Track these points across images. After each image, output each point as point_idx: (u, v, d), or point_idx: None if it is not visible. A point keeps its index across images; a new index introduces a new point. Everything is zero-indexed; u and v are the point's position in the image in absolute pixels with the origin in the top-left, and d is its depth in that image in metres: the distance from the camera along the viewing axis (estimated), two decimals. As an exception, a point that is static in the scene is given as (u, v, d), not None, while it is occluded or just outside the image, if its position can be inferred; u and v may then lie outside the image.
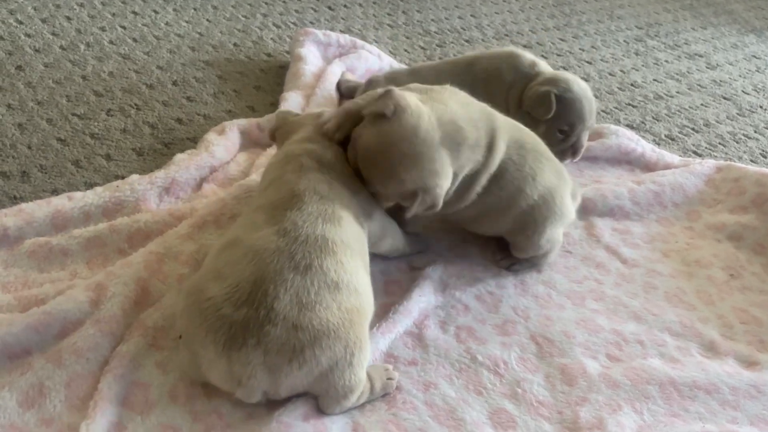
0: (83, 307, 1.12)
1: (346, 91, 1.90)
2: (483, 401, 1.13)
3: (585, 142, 1.68)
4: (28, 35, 1.98)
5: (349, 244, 1.07)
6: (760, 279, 1.50)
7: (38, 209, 1.33)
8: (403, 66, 2.16)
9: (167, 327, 1.14)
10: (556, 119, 1.61)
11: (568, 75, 1.66)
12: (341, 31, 2.33)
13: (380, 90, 1.21)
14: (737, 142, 2.12)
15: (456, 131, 1.18)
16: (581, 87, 1.64)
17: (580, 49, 2.64)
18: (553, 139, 1.60)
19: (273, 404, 1.04)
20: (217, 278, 1.01)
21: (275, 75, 2.05)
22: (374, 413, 1.08)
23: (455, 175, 1.20)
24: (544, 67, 1.69)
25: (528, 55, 1.73)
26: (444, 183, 1.17)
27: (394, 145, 1.14)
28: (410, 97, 1.17)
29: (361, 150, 1.16)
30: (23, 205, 1.34)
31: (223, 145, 1.61)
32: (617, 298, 1.38)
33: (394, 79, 1.76)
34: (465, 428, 1.08)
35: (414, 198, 1.17)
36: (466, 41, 2.53)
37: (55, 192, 1.44)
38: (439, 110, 1.18)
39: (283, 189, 1.11)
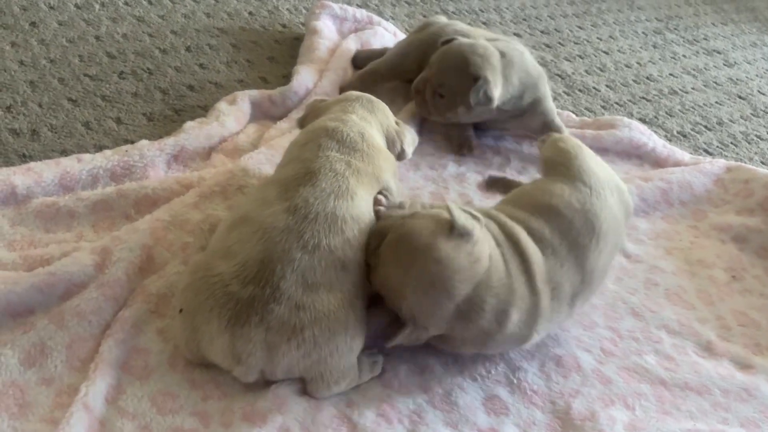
0: (88, 270, 1.13)
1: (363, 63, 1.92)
2: (477, 387, 1.14)
3: (421, 86, 1.63)
4: (43, -9, 1.97)
5: (359, 219, 1.07)
6: (762, 283, 1.50)
7: (47, 169, 1.33)
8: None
9: (170, 295, 1.15)
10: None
11: (481, 43, 1.60)
12: (358, 6, 2.31)
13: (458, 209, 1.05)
14: (749, 143, 2.11)
15: (482, 302, 1.04)
16: (464, 49, 1.57)
17: (597, 38, 2.61)
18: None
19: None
20: (225, 256, 1.02)
21: (289, 47, 2.03)
22: (369, 393, 1.09)
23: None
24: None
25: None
26: (433, 331, 1.06)
27: (431, 264, 1.00)
28: (486, 241, 1.05)
29: (393, 241, 1.04)
30: (32, 164, 1.34)
31: (234, 115, 1.60)
32: (617, 293, 1.39)
33: None
34: (458, 412, 1.10)
35: (402, 324, 1.04)
36: (484, 23, 2.51)
37: (65, 152, 1.44)
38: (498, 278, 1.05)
39: (299, 166, 1.12)
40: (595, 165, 1.25)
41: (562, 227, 1.15)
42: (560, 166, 1.24)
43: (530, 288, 1.08)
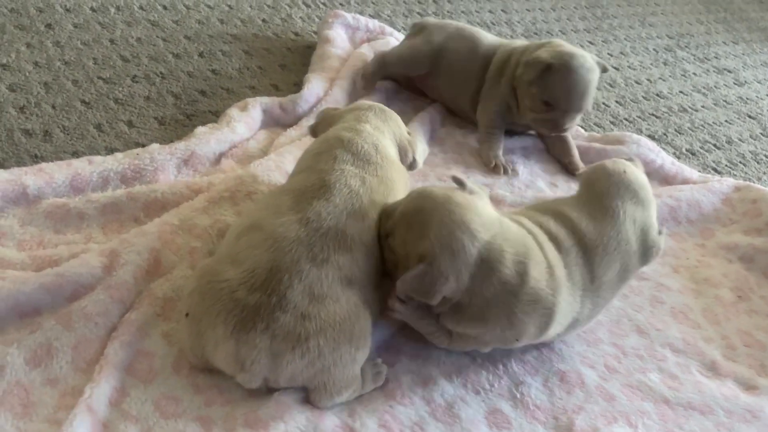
0: (96, 272, 1.13)
1: None
2: (480, 400, 1.14)
3: (570, 123, 1.68)
4: (59, -6, 1.99)
5: (368, 241, 1.08)
6: (768, 303, 1.50)
7: (58, 170, 1.34)
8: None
9: (176, 299, 1.16)
10: (543, 88, 1.63)
11: (578, 51, 1.65)
12: (370, 16, 2.32)
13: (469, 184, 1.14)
14: (758, 162, 2.10)
15: (501, 249, 1.08)
16: (581, 67, 1.62)
17: (608, 53, 2.62)
18: (537, 107, 1.66)
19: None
20: (234, 262, 1.02)
21: (301, 55, 2.05)
22: (371, 403, 1.09)
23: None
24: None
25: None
26: (452, 282, 1.05)
27: (453, 207, 1.07)
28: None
29: (411, 201, 1.11)
30: (43, 165, 1.35)
31: (245, 121, 1.61)
32: (622, 310, 1.39)
33: None
34: (460, 425, 1.09)
35: (415, 268, 1.04)
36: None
37: (76, 154, 1.45)
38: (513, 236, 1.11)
39: (314, 177, 1.12)
40: (629, 199, 1.22)
41: (569, 227, 1.19)
42: (592, 192, 1.23)
43: (543, 253, 1.12)
